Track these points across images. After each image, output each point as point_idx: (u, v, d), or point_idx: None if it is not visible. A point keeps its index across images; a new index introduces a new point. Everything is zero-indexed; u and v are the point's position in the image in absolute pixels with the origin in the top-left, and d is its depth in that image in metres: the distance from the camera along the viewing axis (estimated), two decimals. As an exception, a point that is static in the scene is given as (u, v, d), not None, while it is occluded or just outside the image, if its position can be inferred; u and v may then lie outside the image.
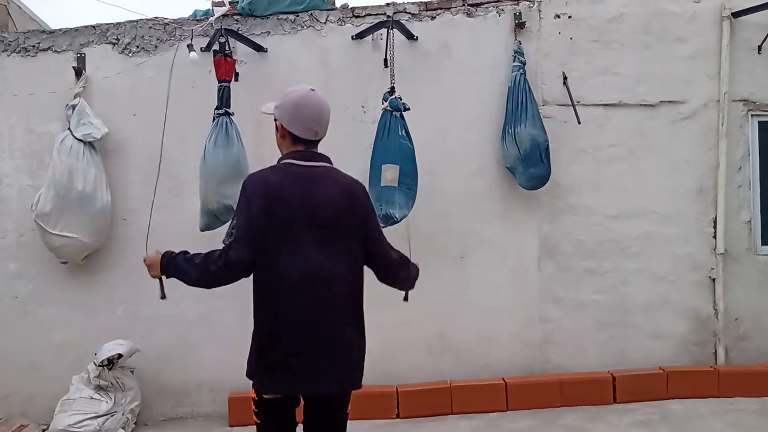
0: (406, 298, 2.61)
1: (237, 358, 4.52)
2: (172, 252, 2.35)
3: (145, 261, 2.43)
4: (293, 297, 2.23)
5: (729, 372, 4.57)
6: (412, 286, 2.58)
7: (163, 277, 2.40)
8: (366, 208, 2.42)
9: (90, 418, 4.13)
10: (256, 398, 2.36)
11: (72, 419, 4.11)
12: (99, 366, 4.22)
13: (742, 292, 4.76)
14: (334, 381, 2.30)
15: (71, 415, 4.14)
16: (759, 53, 4.75)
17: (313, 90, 2.40)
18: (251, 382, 2.35)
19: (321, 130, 2.41)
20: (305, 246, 2.25)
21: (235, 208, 4.08)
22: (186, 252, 2.34)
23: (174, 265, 2.33)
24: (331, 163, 2.44)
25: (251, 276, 2.29)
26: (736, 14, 4.68)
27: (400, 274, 2.50)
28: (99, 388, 4.25)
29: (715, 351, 4.75)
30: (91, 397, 4.22)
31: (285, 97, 2.40)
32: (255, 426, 2.45)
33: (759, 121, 4.82)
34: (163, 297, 2.51)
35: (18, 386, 4.59)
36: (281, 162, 2.40)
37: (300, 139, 2.38)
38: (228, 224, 2.39)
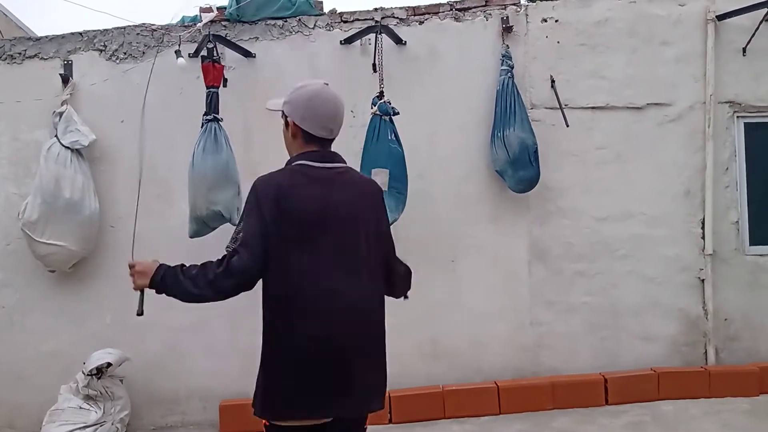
0: (406, 296, 2.47)
1: (227, 366, 4.57)
2: (167, 265, 2.09)
3: (134, 267, 2.12)
4: (313, 313, 2.01)
5: (719, 372, 4.59)
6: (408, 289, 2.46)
7: (146, 290, 2.13)
8: (384, 216, 2.27)
9: (79, 429, 4.08)
10: (271, 427, 2.13)
11: (61, 429, 4.06)
12: (88, 375, 4.17)
13: (732, 293, 4.79)
14: (359, 402, 2.10)
15: (60, 426, 4.08)
16: (744, 55, 4.80)
17: (327, 84, 2.21)
18: (256, 412, 2.16)
19: (336, 128, 2.21)
20: (324, 256, 2.04)
21: (239, 212, 3.96)
22: (183, 265, 2.08)
23: (168, 276, 2.05)
24: (346, 163, 2.25)
25: (260, 289, 2.08)
26: (721, 17, 4.73)
27: (402, 289, 2.39)
28: (88, 398, 4.21)
29: (706, 351, 4.77)
30: (80, 407, 4.17)
31: (296, 92, 2.20)
32: None
33: (745, 123, 4.87)
34: (140, 313, 2.26)
35: (5, 396, 4.53)
36: (294, 163, 2.17)
37: (314, 138, 2.17)
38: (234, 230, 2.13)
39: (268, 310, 2.08)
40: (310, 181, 2.11)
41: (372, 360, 2.15)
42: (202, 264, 2.05)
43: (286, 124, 2.23)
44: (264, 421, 2.14)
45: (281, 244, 2.02)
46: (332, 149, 2.25)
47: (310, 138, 2.18)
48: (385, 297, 2.25)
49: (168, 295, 2.08)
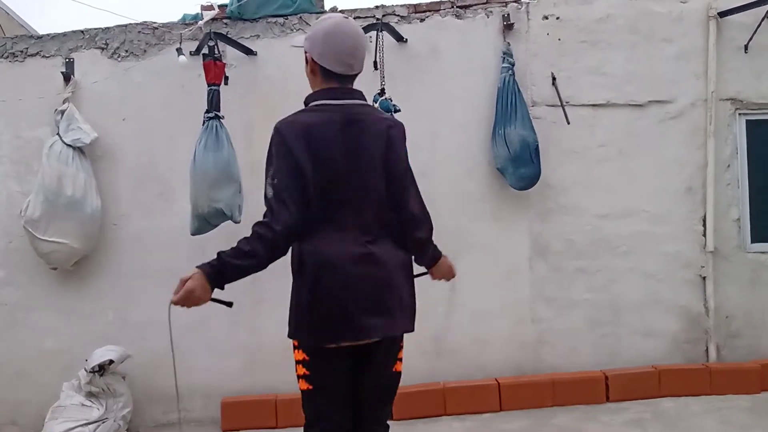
0: (428, 269, 2.47)
1: (228, 363, 4.58)
2: (209, 263, 1.98)
3: (185, 295, 1.95)
4: (349, 237, 2.05)
5: (721, 369, 4.59)
6: (429, 260, 2.42)
7: (216, 291, 2.01)
8: (404, 152, 2.24)
9: (81, 425, 4.09)
10: (307, 356, 2.15)
11: (63, 426, 4.07)
12: (90, 372, 4.19)
13: (733, 290, 4.78)
14: (394, 325, 2.15)
15: (62, 423, 4.10)
16: (746, 52, 4.79)
17: (347, 18, 2.12)
18: (294, 342, 2.18)
19: (357, 63, 2.12)
20: (354, 188, 2.06)
21: (240, 210, 3.96)
22: (222, 252, 2.00)
23: (226, 272, 1.97)
24: (365, 99, 2.21)
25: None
26: (723, 14, 4.72)
27: (414, 238, 2.28)
28: (90, 395, 4.22)
29: (707, 349, 4.76)
30: (82, 404, 4.19)
31: (315, 26, 2.13)
32: (304, 393, 2.22)
33: (746, 120, 4.86)
34: (230, 305, 2.14)
35: (7, 394, 4.55)
36: (313, 103, 2.12)
37: (333, 74, 2.10)
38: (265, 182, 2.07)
39: (300, 245, 2.08)
40: (334, 120, 2.07)
41: (400, 286, 2.18)
42: (246, 239, 2.01)
43: (306, 60, 2.17)
44: (296, 342, 2.18)
45: (314, 184, 2.01)
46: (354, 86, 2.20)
47: (328, 74, 2.11)
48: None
49: (235, 280, 2.02)
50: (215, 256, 2.01)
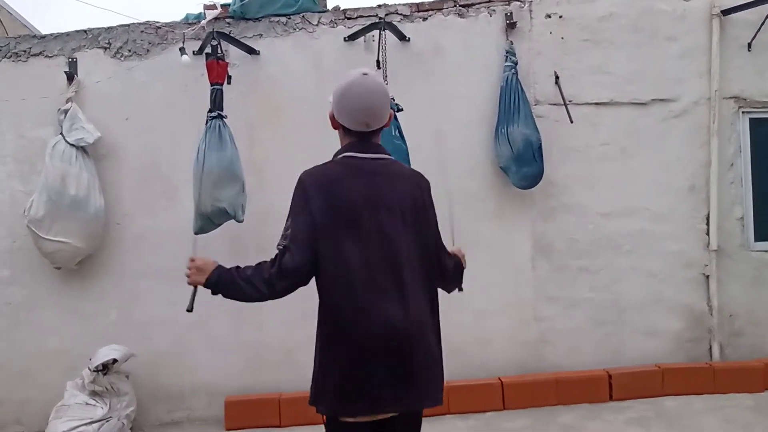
0: (460, 289, 2.44)
1: (232, 362, 4.59)
2: (222, 267, 2.07)
3: (193, 261, 2.09)
4: (370, 303, 1.97)
5: (724, 368, 4.59)
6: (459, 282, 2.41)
7: (199, 288, 2.11)
8: (431, 207, 2.22)
9: (85, 424, 4.10)
10: (327, 427, 2.08)
11: (67, 425, 4.08)
12: (94, 371, 4.19)
13: (736, 289, 4.78)
14: (419, 396, 2.06)
15: (66, 422, 4.10)
16: (749, 51, 4.78)
17: (367, 74, 2.09)
18: (320, 408, 2.06)
19: (374, 121, 2.11)
20: (376, 245, 2.01)
21: (243, 209, 3.93)
22: (237, 267, 2.06)
23: (224, 278, 2.04)
24: (390, 155, 2.21)
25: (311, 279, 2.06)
26: (726, 12, 4.71)
27: (452, 282, 2.34)
28: (94, 394, 4.23)
29: (710, 347, 4.76)
30: (86, 403, 4.19)
31: (337, 84, 2.13)
32: None
33: (750, 118, 4.85)
34: (190, 309, 2.21)
35: (12, 393, 4.56)
36: (339, 156, 2.15)
37: (353, 132, 2.13)
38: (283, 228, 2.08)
39: (325, 301, 2.04)
40: (356, 171, 2.08)
41: (429, 352, 2.13)
42: (256, 265, 2.04)
43: (329, 115, 2.19)
44: (324, 416, 2.08)
45: (330, 236, 2.00)
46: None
47: (348, 131, 2.14)
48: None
49: (224, 296, 2.07)
50: (234, 267, 2.07)
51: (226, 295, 2.07)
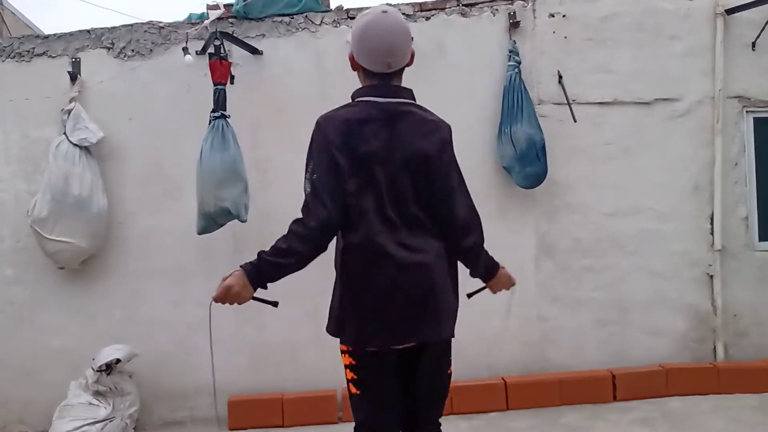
0: (468, 295, 2.39)
1: (235, 362, 4.58)
2: (250, 263, 2.00)
3: (224, 292, 1.98)
4: (382, 237, 2.00)
5: (728, 368, 4.57)
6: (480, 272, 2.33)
7: (258, 291, 2.04)
8: (451, 156, 2.17)
9: (89, 424, 4.10)
10: (354, 357, 2.11)
11: (70, 425, 4.09)
12: (97, 371, 4.20)
13: (741, 289, 4.76)
14: (439, 329, 2.10)
15: (70, 421, 4.11)
16: (753, 50, 4.76)
17: (386, 12, 2.04)
18: (339, 340, 2.12)
19: (395, 61, 2.05)
20: (388, 188, 2.02)
21: (247, 209, 3.94)
22: (262, 251, 2.00)
23: (266, 271, 1.99)
24: (414, 98, 2.16)
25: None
26: (730, 11, 4.69)
27: (463, 240, 2.18)
28: (97, 394, 4.24)
29: (714, 347, 4.75)
30: (90, 403, 4.20)
31: (355, 23, 2.08)
32: (352, 397, 2.17)
33: (754, 118, 4.83)
34: (276, 304, 2.14)
35: (15, 393, 4.57)
36: (356, 99, 2.10)
37: (374, 73, 2.08)
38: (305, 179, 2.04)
39: (344, 240, 2.06)
40: (375, 117, 2.04)
41: (442, 288, 2.13)
42: (287, 234, 1.99)
43: (349, 56, 2.14)
44: (343, 347, 2.13)
45: (349, 180, 1.99)
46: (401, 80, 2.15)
47: (369, 72, 2.09)
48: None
49: (278, 279, 2.03)
50: (259, 253, 2.02)
51: (273, 281, 2.02)
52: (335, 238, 2.11)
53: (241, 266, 2.00)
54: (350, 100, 2.14)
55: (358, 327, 2.06)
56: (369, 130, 2.02)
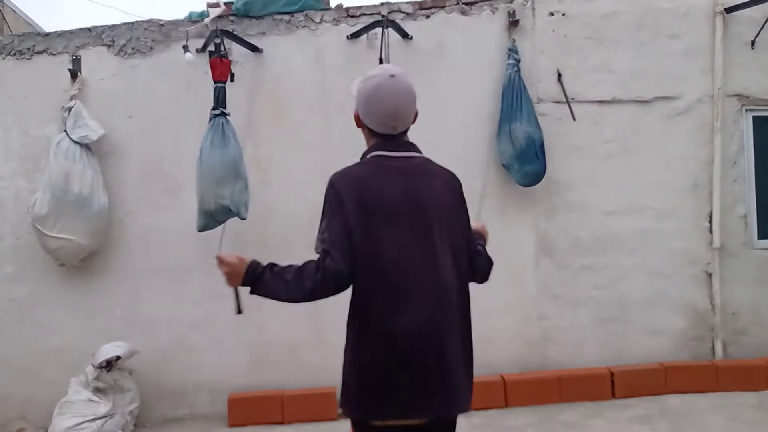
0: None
1: (235, 360, 4.60)
2: (258, 264, 1.99)
3: (223, 264, 2.01)
4: (402, 303, 1.93)
5: (727, 366, 4.58)
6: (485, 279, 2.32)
7: (239, 289, 2.04)
8: (465, 207, 2.17)
9: (89, 421, 4.11)
10: (359, 428, 2.03)
11: (71, 422, 4.10)
12: (97, 368, 4.21)
13: (739, 287, 4.77)
14: (450, 404, 2.01)
15: (70, 418, 4.12)
16: (752, 48, 4.78)
17: (394, 76, 2.02)
18: (347, 410, 2.03)
19: (400, 125, 2.07)
20: (411, 246, 1.97)
21: (246, 206, 3.86)
22: (273, 265, 1.99)
23: (262, 283, 1.97)
24: (420, 152, 2.15)
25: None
26: (729, 10, 4.71)
27: (480, 278, 2.25)
28: (97, 391, 4.24)
29: (713, 345, 4.76)
30: (90, 400, 4.21)
31: (362, 84, 2.08)
32: None
33: (753, 116, 4.85)
34: (239, 312, 2.14)
35: (16, 390, 4.58)
36: (369, 155, 2.09)
37: (379, 134, 2.09)
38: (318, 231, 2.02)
39: (357, 300, 1.99)
40: (389, 171, 2.03)
41: (462, 354, 2.07)
42: (298, 269, 1.95)
43: (354, 115, 2.15)
44: (352, 419, 2.05)
45: (365, 237, 1.94)
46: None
47: (375, 133, 2.10)
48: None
49: (263, 296, 2.00)
50: (268, 264, 2.00)
51: (264, 296, 2.00)
52: (351, 298, 2.03)
53: (254, 260, 2.00)
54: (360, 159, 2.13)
55: (360, 396, 1.98)
56: (385, 186, 2.00)
